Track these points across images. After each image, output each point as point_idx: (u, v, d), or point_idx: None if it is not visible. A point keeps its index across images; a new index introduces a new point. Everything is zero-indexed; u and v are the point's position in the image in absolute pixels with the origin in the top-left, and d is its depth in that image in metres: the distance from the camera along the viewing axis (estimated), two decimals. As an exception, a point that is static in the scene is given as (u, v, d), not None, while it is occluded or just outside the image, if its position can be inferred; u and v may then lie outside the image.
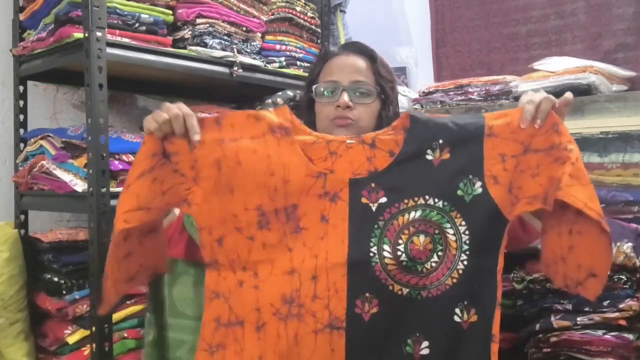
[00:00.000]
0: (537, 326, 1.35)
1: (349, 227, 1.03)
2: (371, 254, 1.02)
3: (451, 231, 1.03)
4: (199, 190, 1.04)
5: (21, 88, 1.85)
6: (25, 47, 1.74)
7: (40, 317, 1.75)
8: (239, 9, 1.89)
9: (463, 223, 1.03)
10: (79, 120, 1.99)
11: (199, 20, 1.76)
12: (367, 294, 1.01)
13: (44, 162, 1.66)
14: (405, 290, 1.02)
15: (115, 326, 1.59)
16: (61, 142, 1.63)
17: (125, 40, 1.59)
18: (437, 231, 1.03)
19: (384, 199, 1.04)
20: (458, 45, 2.49)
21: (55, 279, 1.68)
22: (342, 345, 1.01)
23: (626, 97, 1.64)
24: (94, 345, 1.51)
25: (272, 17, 2.02)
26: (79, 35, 1.50)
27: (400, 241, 1.02)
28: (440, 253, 1.02)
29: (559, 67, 1.80)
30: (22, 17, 1.79)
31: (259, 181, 1.04)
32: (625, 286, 1.28)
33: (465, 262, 1.02)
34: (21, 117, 1.86)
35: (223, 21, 1.83)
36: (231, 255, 1.04)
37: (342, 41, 2.30)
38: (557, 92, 1.80)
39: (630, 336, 1.25)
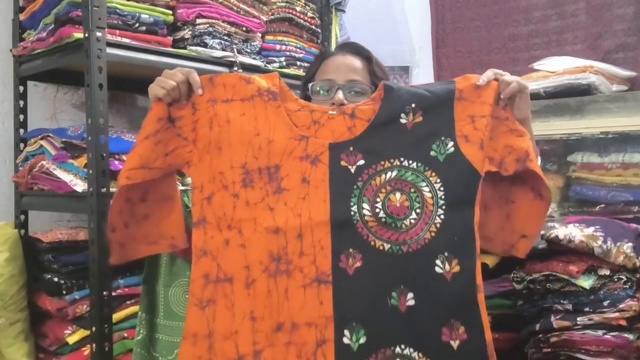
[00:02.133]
0: (537, 326, 1.35)
1: (330, 188, 1.09)
2: (352, 213, 1.08)
3: (427, 189, 1.08)
4: (196, 151, 1.11)
5: (21, 88, 1.85)
6: (25, 47, 1.74)
7: (40, 317, 1.75)
8: (239, 9, 1.89)
9: (438, 180, 1.08)
10: (79, 120, 1.99)
11: (199, 21, 1.76)
12: (350, 250, 1.07)
13: (44, 162, 1.66)
14: (387, 246, 1.07)
15: (115, 326, 1.59)
16: (61, 142, 1.64)
17: (126, 40, 1.59)
18: (412, 190, 1.08)
19: (361, 162, 1.10)
20: (458, 46, 2.50)
21: (55, 279, 1.67)
22: (329, 297, 1.05)
23: (626, 97, 1.65)
24: (94, 345, 1.51)
25: (272, 17, 2.02)
26: (79, 35, 1.50)
27: (378, 199, 1.08)
28: (418, 210, 1.08)
29: (559, 67, 1.80)
30: (22, 17, 1.79)
31: (245, 139, 1.10)
32: (625, 286, 1.28)
33: (443, 217, 1.07)
34: (21, 117, 1.86)
35: (223, 21, 1.83)
36: (218, 213, 1.09)
37: (334, 41, 2.30)
38: (557, 92, 1.81)
39: (630, 336, 1.25)
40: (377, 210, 1.08)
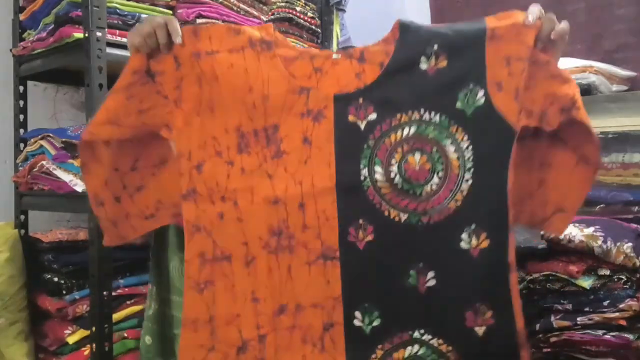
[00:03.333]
0: (537, 326, 1.35)
1: (335, 149, 0.94)
2: (362, 177, 0.94)
3: (452, 148, 0.93)
4: (180, 113, 0.98)
5: (21, 88, 1.85)
6: (25, 47, 1.74)
7: (40, 317, 1.75)
8: (239, 9, 1.89)
9: (465, 138, 0.92)
10: (79, 120, 1.99)
11: (199, 20, 1.76)
12: (360, 221, 0.94)
13: (44, 162, 1.66)
14: (404, 216, 0.93)
15: (115, 326, 1.58)
16: (61, 142, 1.63)
17: (126, 40, 1.59)
18: (435, 149, 0.93)
19: (373, 115, 0.94)
20: (458, 46, 2.49)
21: (55, 279, 1.67)
22: (337, 276, 0.94)
23: (626, 97, 1.65)
24: (94, 345, 1.51)
25: (272, 17, 2.02)
26: (79, 35, 1.50)
27: (392, 161, 0.93)
28: (441, 174, 0.93)
29: (559, 67, 1.80)
30: (22, 17, 1.79)
31: (237, 98, 0.97)
32: (625, 286, 1.28)
33: (470, 182, 0.92)
34: (21, 117, 1.86)
35: (223, 21, 1.83)
36: (210, 183, 0.97)
37: (335, 40, 2.29)
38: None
39: (630, 336, 1.25)
40: (392, 174, 0.93)
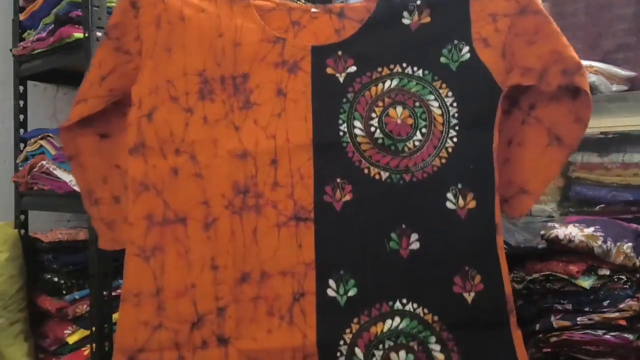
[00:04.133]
0: (537, 326, 1.34)
1: (313, 102, 0.88)
2: (340, 133, 0.88)
3: (435, 104, 0.88)
4: (142, 62, 0.89)
5: (21, 88, 1.85)
6: (25, 47, 1.74)
7: (40, 317, 1.75)
8: None
9: (449, 94, 0.88)
10: (79, 120, 1.99)
11: None
12: (338, 180, 0.87)
13: (44, 162, 1.66)
14: (385, 174, 0.87)
15: (115, 326, 1.58)
16: (60, 142, 1.63)
17: (125, 40, 1.59)
18: (417, 104, 0.88)
19: (353, 68, 0.89)
20: (458, 46, 2.49)
21: (55, 279, 1.67)
22: (310, 240, 0.86)
23: (626, 97, 1.64)
24: (94, 345, 1.51)
25: None
26: (79, 35, 1.50)
27: (373, 115, 0.88)
28: (424, 130, 0.88)
29: (559, 67, 1.80)
30: (22, 17, 1.79)
31: (204, 40, 0.89)
32: (625, 286, 1.27)
33: (455, 139, 0.87)
34: (21, 117, 1.86)
35: None
36: (162, 133, 0.88)
37: None
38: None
39: (630, 336, 1.25)
40: (372, 128, 0.87)
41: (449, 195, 0.86)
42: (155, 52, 0.89)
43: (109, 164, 0.95)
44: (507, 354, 0.85)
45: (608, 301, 1.28)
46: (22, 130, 1.85)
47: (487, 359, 0.85)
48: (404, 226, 0.86)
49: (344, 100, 0.89)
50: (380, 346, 0.85)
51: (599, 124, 1.63)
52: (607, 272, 1.29)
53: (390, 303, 0.86)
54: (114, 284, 1.62)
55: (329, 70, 0.90)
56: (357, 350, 0.85)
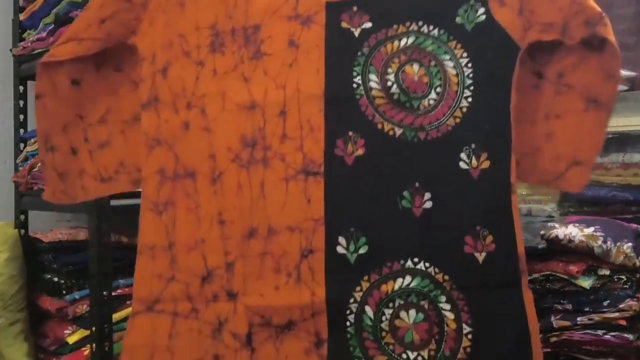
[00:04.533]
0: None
1: (326, 54, 0.86)
2: (354, 85, 0.86)
3: (450, 64, 0.86)
4: (147, 15, 0.89)
5: (21, 88, 1.85)
6: (25, 47, 1.74)
7: (40, 317, 1.75)
8: (239, 9, 1.89)
9: (464, 55, 0.87)
10: (79, 120, 1.99)
11: None
12: (350, 133, 0.85)
13: (44, 162, 1.66)
14: (399, 131, 0.85)
15: (115, 326, 1.58)
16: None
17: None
18: (433, 63, 0.86)
19: (368, 24, 0.87)
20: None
21: (55, 279, 1.67)
22: (320, 195, 0.84)
23: (626, 97, 1.64)
24: (94, 345, 1.51)
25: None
26: (79, 35, 1.50)
27: (389, 70, 0.86)
28: (439, 90, 0.86)
29: (559, 67, 1.80)
30: (22, 17, 1.79)
31: None
32: (625, 286, 1.27)
33: (470, 100, 0.86)
34: (21, 117, 1.86)
35: (223, 21, 1.83)
36: (175, 88, 0.88)
37: None
38: (557, 92, 1.81)
39: (630, 336, 1.25)
40: (389, 83, 0.85)
41: (463, 155, 0.85)
42: (168, 7, 0.89)
43: (73, 113, 0.93)
44: (517, 315, 0.84)
45: (608, 301, 1.28)
46: (22, 130, 1.86)
47: (497, 319, 0.85)
48: (417, 185, 0.85)
49: (359, 53, 0.86)
50: (391, 305, 0.84)
51: (599, 124, 1.63)
52: (607, 272, 1.29)
53: (402, 262, 0.84)
54: (114, 284, 1.62)
55: (344, 25, 0.87)
56: (368, 309, 0.84)
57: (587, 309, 1.29)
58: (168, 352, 0.86)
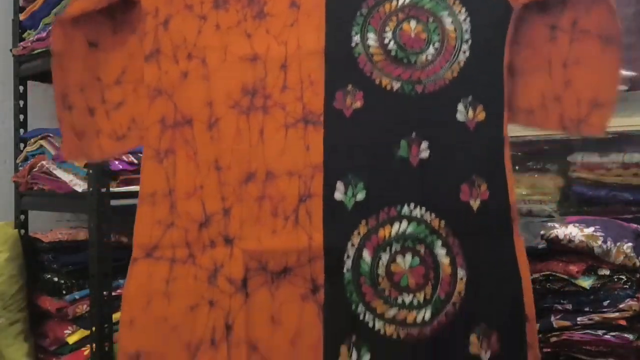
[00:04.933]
0: (537, 326, 1.34)
1: (326, 15, 0.89)
2: (353, 44, 0.88)
3: (449, 20, 0.89)
4: None
5: (21, 88, 1.86)
6: (25, 47, 1.74)
7: (40, 317, 1.75)
8: (239, 9, 1.89)
9: (463, 10, 0.89)
10: (79, 120, 1.99)
11: None
12: (349, 87, 0.88)
13: (44, 162, 1.66)
14: (396, 85, 0.88)
15: (115, 326, 1.58)
16: (61, 142, 1.63)
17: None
18: (431, 19, 0.89)
19: None
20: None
21: (55, 279, 1.68)
22: (319, 142, 0.86)
23: (626, 97, 1.64)
24: (94, 345, 1.51)
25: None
26: (79, 35, 1.50)
27: (387, 28, 0.89)
28: (437, 45, 0.89)
29: (559, 67, 1.80)
30: (22, 17, 1.79)
31: None
32: (625, 286, 1.27)
33: (467, 54, 0.89)
34: (21, 117, 1.86)
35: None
36: (176, 40, 0.90)
37: None
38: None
39: (630, 336, 1.25)
40: (387, 40, 0.88)
41: (460, 107, 0.88)
42: None
43: (91, 75, 0.95)
44: (508, 260, 0.89)
45: (608, 301, 1.27)
46: (22, 130, 1.85)
47: (490, 263, 0.88)
48: (414, 135, 0.87)
49: (358, 14, 0.89)
50: (388, 249, 0.87)
51: (599, 124, 1.63)
52: (607, 272, 1.29)
53: (398, 208, 0.87)
54: (114, 284, 1.62)
55: None
56: (365, 254, 0.86)
57: (587, 309, 1.29)
58: (165, 297, 0.87)
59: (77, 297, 1.66)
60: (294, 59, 0.88)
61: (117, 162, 1.58)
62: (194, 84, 0.89)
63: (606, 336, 1.26)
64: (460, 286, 0.87)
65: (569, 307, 1.31)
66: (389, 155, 0.87)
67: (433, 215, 0.87)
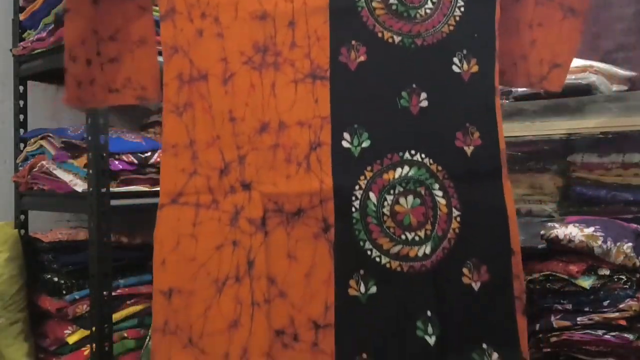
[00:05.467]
0: (537, 326, 1.34)
1: None
2: None
3: None
4: None
5: (21, 88, 1.85)
6: (25, 47, 1.74)
7: (40, 317, 1.75)
8: (239, 9, 1.89)
9: None
10: (79, 120, 1.98)
11: (199, 20, 1.76)
12: (353, 42, 0.94)
13: (44, 162, 1.66)
14: (397, 38, 0.95)
15: (115, 326, 1.59)
16: (61, 142, 1.64)
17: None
18: None
19: None
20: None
21: (55, 279, 1.68)
22: (326, 96, 0.93)
23: (626, 97, 1.64)
24: (94, 345, 1.51)
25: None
26: (79, 35, 1.50)
27: None
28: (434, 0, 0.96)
29: (559, 67, 1.80)
30: (22, 17, 1.79)
31: None
32: (625, 286, 1.27)
33: (463, 9, 0.96)
34: (21, 117, 1.86)
35: (223, 21, 1.83)
36: None
37: None
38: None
39: (630, 336, 1.25)
40: None
41: (455, 60, 0.96)
42: None
43: (89, 28, 1.01)
44: (497, 201, 0.98)
45: (608, 301, 1.28)
46: (22, 130, 1.85)
47: (481, 204, 0.98)
48: (414, 86, 0.95)
49: None
50: (392, 191, 0.94)
51: (599, 124, 1.63)
52: (607, 272, 1.29)
53: (401, 154, 0.94)
54: (114, 284, 1.62)
55: None
56: (372, 195, 0.94)
57: (587, 309, 1.29)
58: (192, 238, 0.93)
59: (77, 297, 1.65)
60: (300, 15, 0.93)
61: (117, 162, 1.58)
62: (209, 42, 0.94)
63: (606, 336, 1.26)
64: (455, 224, 0.97)
65: (569, 307, 1.31)
66: (392, 105, 0.94)
67: (431, 160, 0.95)
